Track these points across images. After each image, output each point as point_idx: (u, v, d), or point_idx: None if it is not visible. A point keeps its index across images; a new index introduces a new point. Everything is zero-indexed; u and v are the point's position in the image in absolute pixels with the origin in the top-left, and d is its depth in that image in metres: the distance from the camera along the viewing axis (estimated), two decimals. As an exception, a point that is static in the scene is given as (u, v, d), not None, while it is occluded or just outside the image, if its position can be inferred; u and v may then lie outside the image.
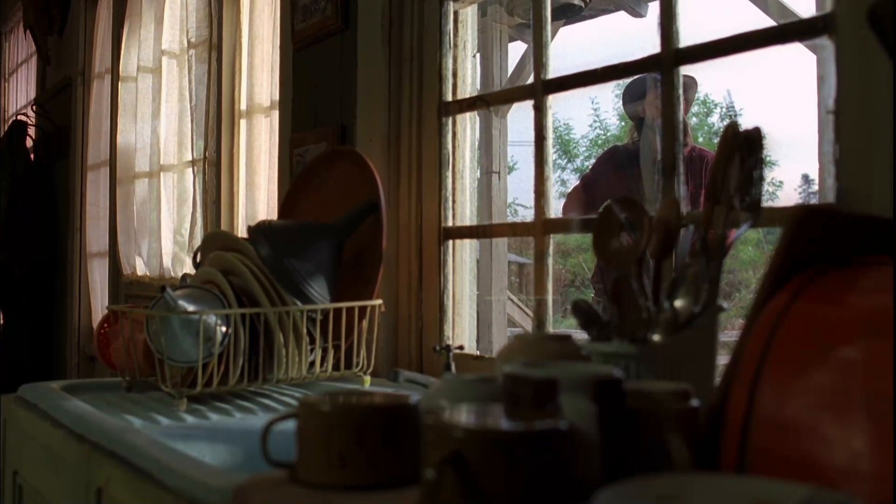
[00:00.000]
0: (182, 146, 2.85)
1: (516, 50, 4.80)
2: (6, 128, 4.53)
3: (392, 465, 0.75)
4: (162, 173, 2.96)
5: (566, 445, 0.63)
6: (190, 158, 2.75)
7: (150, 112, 3.05)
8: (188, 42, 2.74)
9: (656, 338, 0.93)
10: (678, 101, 1.30)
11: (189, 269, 2.75)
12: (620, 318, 0.96)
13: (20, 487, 1.43)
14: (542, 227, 1.50)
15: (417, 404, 0.78)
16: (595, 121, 15.54)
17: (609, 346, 0.94)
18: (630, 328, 0.95)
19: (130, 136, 3.17)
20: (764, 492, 0.58)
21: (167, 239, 2.93)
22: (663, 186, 1.26)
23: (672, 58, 1.27)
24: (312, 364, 1.48)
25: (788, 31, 1.18)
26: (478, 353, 1.69)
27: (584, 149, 15.33)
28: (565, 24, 4.56)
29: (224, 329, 1.38)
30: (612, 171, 3.47)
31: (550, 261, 1.50)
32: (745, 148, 0.95)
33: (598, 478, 0.67)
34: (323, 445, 0.75)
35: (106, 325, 1.69)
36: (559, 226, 1.54)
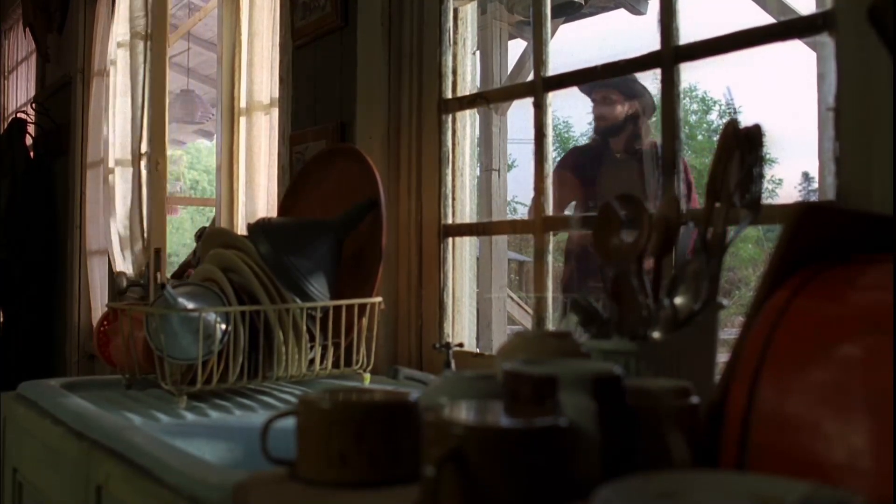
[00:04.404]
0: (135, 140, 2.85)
1: (516, 48, 4.80)
2: (6, 125, 4.52)
3: (392, 462, 0.75)
4: (119, 168, 2.96)
5: (566, 442, 0.63)
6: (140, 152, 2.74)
7: (117, 106, 3.05)
8: (131, 32, 2.73)
9: (656, 335, 0.93)
10: (678, 98, 1.30)
11: (126, 267, 2.73)
12: (620, 315, 0.96)
13: (20, 485, 1.43)
14: (541, 224, 1.50)
15: (417, 401, 0.78)
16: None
17: (609, 343, 0.94)
18: (630, 325, 0.95)
19: (106, 132, 3.18)
20: (764, 489, 0.58)
21: (115, 235, 2.93)
22: (663, 184, 1.26)
23: (672, 55, 1.27)
24: (312, 361, 1.48)
25: (788, 28, 1.18)
26: (478, 350, 1.69)
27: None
28: (565, 22, 4.55)
29: (224, 327, 1.38)
30: (575, 171, 3.53)
31: (550, 258, 1.50)
32: (745, 145, 0.95)
33: (598, 475, 0.67)
34: (323, 443, 0.75)
35: (105, 322, 1.69)
36: (559, 223, 1.53)
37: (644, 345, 0.92)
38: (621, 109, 3.33)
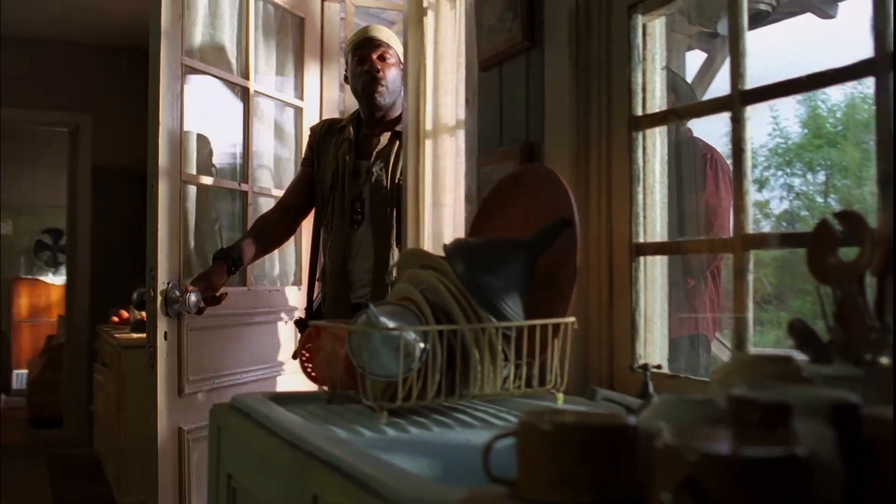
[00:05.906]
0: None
1: (694, 59, 4.66)
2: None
3: (612, 485, 0.74)
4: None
5: (806, 472, 0.61)
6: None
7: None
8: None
9: (885, 360, 0.88)
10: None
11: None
12: (845, 338, 0.91)
13: (233, 490, 1.52)
14: (741, 242, 1.45)
15: (637, 425, 0.77)
16: (774, 129, 14.85)
17: (831, 367, 0.90)
18: (855, 349, 0.90)
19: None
20: None
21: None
22: (882, 197, 1.18)
23: (888, 62, 1.20)
24: (505, 380, 1.49)
25: None
26: (673, 372, 1.65)
27: (762, 158, 14.65)
28: (749, 30, 4.39)
29: (422, 345, 1.41)
30: None
31: (751, 277, 1.44)
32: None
33: (838, 507, 0.64)
34: (544, 463, 0.75)
35: (309, 341, 1.77)
36: (759, 240, 1.48)
37: (871, 370, 0.87)
38: None
